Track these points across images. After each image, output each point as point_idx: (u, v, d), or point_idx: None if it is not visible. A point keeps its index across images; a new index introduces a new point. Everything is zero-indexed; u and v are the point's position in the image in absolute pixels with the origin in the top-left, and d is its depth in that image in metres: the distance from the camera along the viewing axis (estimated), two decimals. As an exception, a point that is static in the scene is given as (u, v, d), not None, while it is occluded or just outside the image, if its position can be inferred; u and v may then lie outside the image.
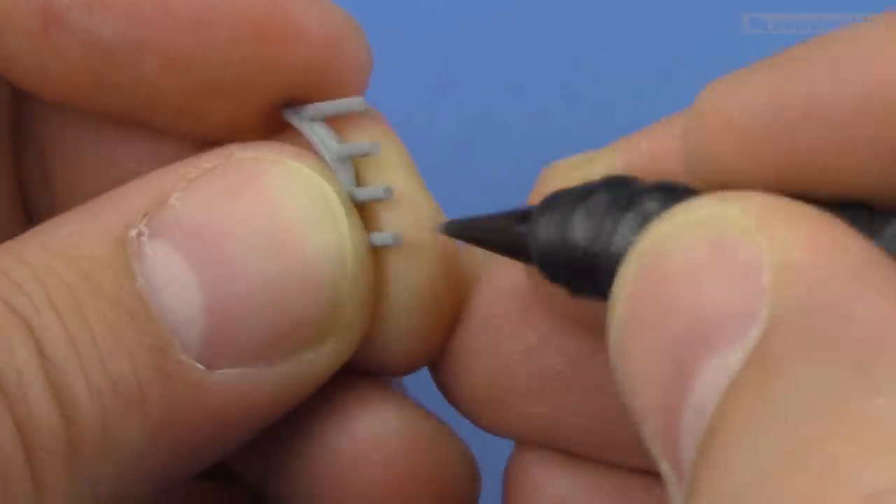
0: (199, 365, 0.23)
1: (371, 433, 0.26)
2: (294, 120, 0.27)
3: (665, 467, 0.19)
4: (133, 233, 0.23)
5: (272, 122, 0.27)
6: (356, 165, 0.26)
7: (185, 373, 0.23)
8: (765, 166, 0.20)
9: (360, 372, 0.27)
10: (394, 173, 0.26)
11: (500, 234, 0.24)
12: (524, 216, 0.24)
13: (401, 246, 0.25)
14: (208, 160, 0.25)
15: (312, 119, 0.26)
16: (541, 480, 0.27)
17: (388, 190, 0.25)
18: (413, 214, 0.26)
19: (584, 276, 0.23)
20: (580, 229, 0.22)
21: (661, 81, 0.47)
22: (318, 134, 0.26)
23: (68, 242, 0.23)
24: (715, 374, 0.18)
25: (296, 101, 0.27)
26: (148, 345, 0.23)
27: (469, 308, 0.27)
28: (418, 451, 0.26)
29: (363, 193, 0.25)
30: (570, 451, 0.27)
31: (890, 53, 0.18)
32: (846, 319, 0.17)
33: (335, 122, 0.27)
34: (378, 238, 0.25)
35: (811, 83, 0.19)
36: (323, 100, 0.26)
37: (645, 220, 0.22)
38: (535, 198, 0.24)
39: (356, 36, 0.27)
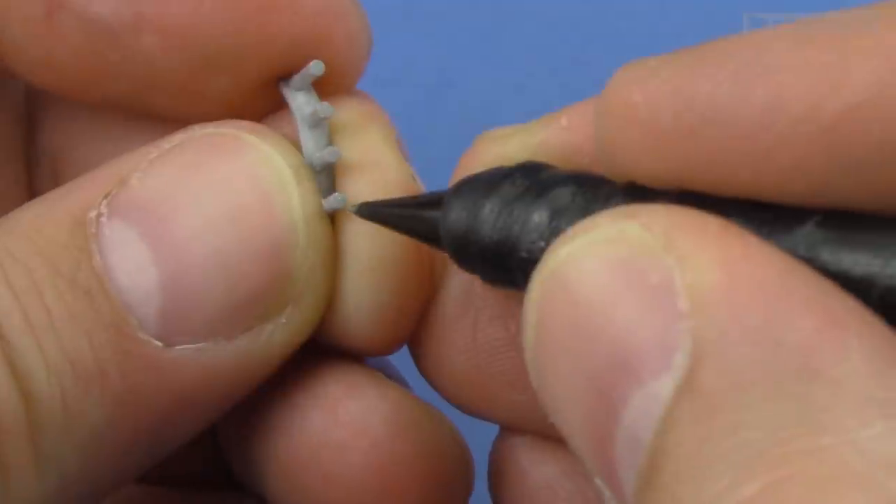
0: (156, 341, 0.23)
1: (355, 418, 0.26)
2: (283, 90, 0.26)
3: (600, 483, 0.19)
4: (93, 214, 0.23)
5: (271, 100, 0.27)
6: (335, 135, 0.26)
7: (143, 350, 0.23)
8: (668, 163, 0.19)
9: (340, 353, 0.27)
10: (367, 141, 0.26)
11: (414, 219, 0.24)
12: (438, 201, 0.23)
13: (349, 209, 0.25)
14: (169, 140, 0.25)
15: (298, 89, 0.26)
16: (526, 465, 0.27)
17: (335, 152, 0.25)
18: (376, 178, 0.25)
19: (496, 265, 0.22)
20: (490, 219, 0.22)
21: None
22: (298, 102, 0.26)
23: (30, 225, 0.23)
24: (645, 404, 0.18)
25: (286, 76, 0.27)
26: (105, 323, 0.23)
27: (445, 288, 0.27)
28: (404, 434, 0.26)
29: (318, 158, 0.25)
30: (554, 436, 0.27)
31: (793, 65, 0.18)
32: (775, 345, 0.17)
33: (326, 97, 0.26)
34: (328, 202, 0.25)
35: (715, 86, 0.19)
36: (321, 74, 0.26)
37: (554, 212, 0.21)
38: (458, 175, 0.24)
39: (352, 8, 0.27)
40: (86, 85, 0.27)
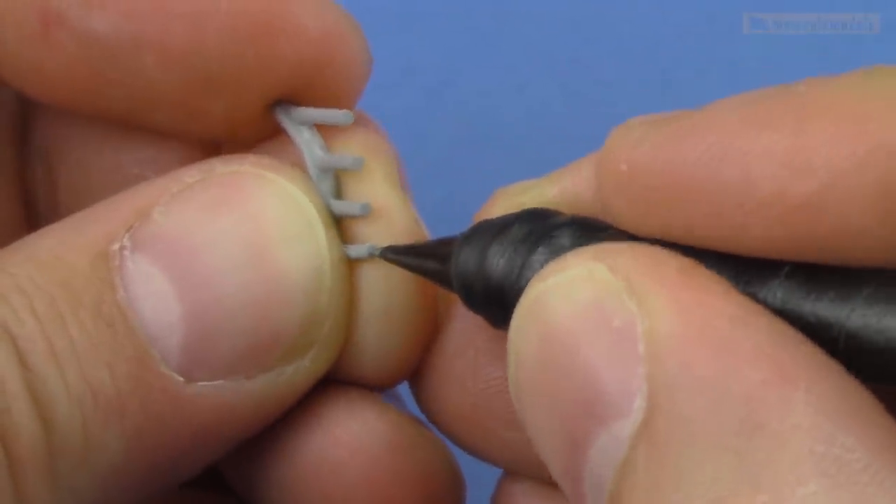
0: (178, 376, 0.23)
1: (353, 438, 0.26)
2: (284, 121, 0.27)
3: None
4: (115, 246, 0.23)
5: (270, 122, 0.27)
6: (339, 174, 0.26)
7: (164, 384, 0.23)
8: (652, 224, 0.20)
9: (343, 382, 0.27)
10: (375, 186, 0.26)
11: (431, 262, 0.25)
12: (451, 246, 0.24)
13: (375, 258, 0.25)
14: (190, 175, 0.25)
15: (302, 123, 0.26)
16: None
17: (366, 207, 0.25)
18: (389, 228, 0.26)
19: (499, 305, 0.23)
20: (494, 264, 0.23)
21: (661, 81, 0.47)
22: (305, 140, 0.26)
23: (52, 254, 0.23)
24: (608, 446, 0.19)
25: (293, 100, 0.27)
26: (127, 356, 0.23)
27: (447, 326, 0.27)
28: (400, 456, 0.26)
29: (341, 207, 0.26)
30: (554, 482, 0.27)
31: (759, 150, 0.19)
32: (723, 395, 0.17)
33: (325, 127, 0.27)
34: (354, 251, 0.25)
35: (690, 164, 0.19)
36: (320, 98, 0.26)
37: (555, 255, 0.22)
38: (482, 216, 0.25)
39: (353, 33, 0.27)
40: (81, 99, 0.27)
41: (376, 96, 0.29)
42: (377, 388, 0.27)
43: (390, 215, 0.26)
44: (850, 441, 0.17)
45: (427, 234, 0.27)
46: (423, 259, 0.25)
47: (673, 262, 0.19)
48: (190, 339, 0.23)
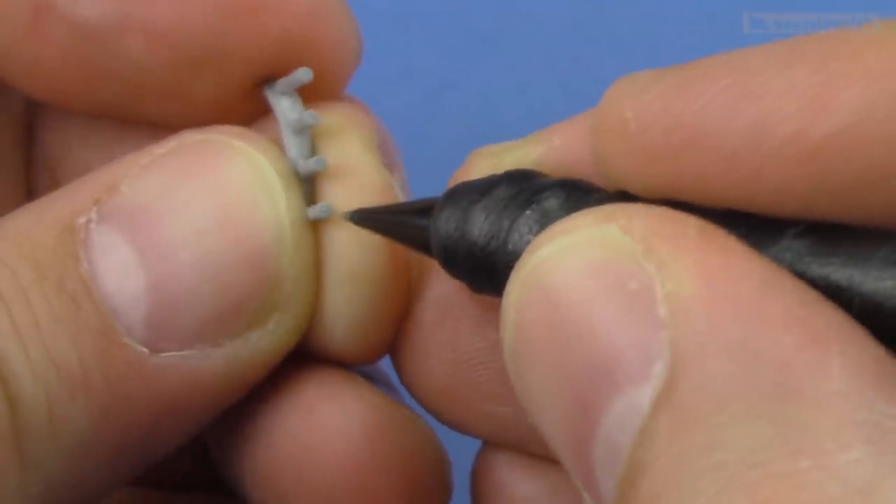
0: (142, 347, 0.23)
1: (330, 421, 0.25)
2: (268, 93, 0.26)
3: (578, 484, 0.19)
4: (82, 220, 0.23)
5: (259, 104, 0.27)
6: (316, 140, 0.26)
7: (129, 356, 0.23)
8: (658, 178, 0.19)
9: (323, 361, 0.27)
10: (346, 147, 0.26)
11: (405, 225, 0.24)
12: (429, 208, 0.23)
13: (331, 217, 0.25)
14: (160, 146, 0.25)
15: (283, 94, 0.26)
16: (506, 482, 0.27)
17: (321, 161, 0.25)
18: (355, 186, 0.25)
19: (484, 273, 0.22)
20: (478, 226, 0.22)
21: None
22: (282, 106, 0.26)
23: (19, 230, 0.23)
24: (624, 413, 0.18)
25: (270, 80, 0.27)
26: (91, 328, 0.22)
27: (424, 294, 0.26)
28: (378, 438, 0.26)
29: (303, 166, 0.25)
30: (536, 453, 0.26)
31: (780, 87, 0.18)
32: (754, 360, 0.17)
33: (312, 101, 0.26)
34: (312, 211, 0.25)
35: (703, 105, 0.19)
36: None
37: (544, 218, 0.21)
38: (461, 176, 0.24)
39: (339, 10, 0.27)
40: (73, 91, 0.27)
41: (376, 96, 0.29)
42: (355, 364, 0.27)
43: (360, 174, 0.26)
44: (890, 408, 0.16)
45: (399, 198, 0.26)
46: (397, 221, 0.24)
47: (692, 223, 0.18)
48: (153, 309, 0.23)
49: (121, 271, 0.23)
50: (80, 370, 0.22)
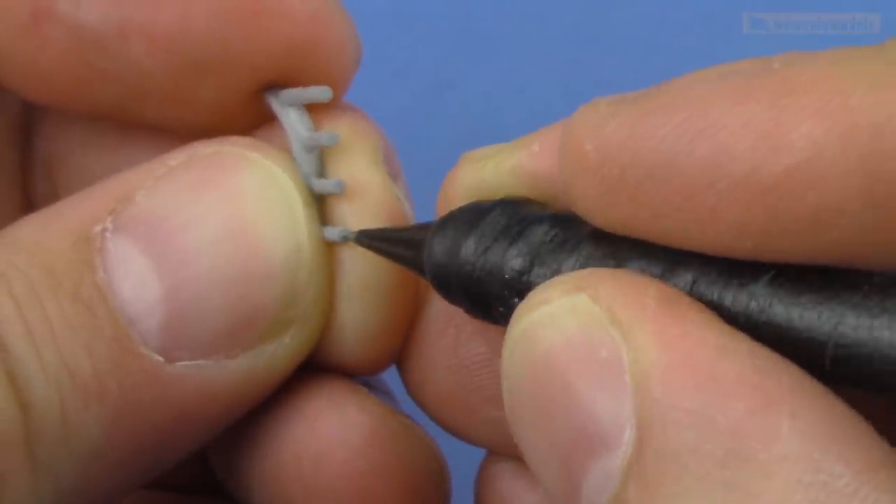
0: (157, 356, 0.23)
1: (333, 430, 0.26)
2: (273, 104, 0.26)
3: None
4: (98, 228, 0.23)
5: (261, 110, 0.27)
6: (323, 155, 0.26)
7: (144, 364, 0.23)
8: (617, 212, 0.20)
9: (326, 370, 0.27)
10: (355, 165, 0.26)
11: (403, 248, 0.25)
12: (425, 234, 0.24)
13: (348, 241, 0.25)
14: (174, 158, 0.25)
15: (289, 104, 0.26)
16: (509, 492, 0.27)
17: (341, 184, 0.25)
18: (368, 206, 0.26)
19: (476, 300, 0.23)
20: (470, 257, 0.23)
21: (661, 81, 0.47)
22: (290, 120, 0.26)
23: (33, 238, 0.23)
24: (601, 478, 0.19)
25: (283, 85, 0.27)
26: (106, 336, 0.23)
27: (428, 305, 0.27)
28: (381, 447, 0.26)
29: (318, 185, 0.25)
30: None
31: (734, 124, 0.18)
32: (709, 428, 0.17)
33: (314, 110, 0.26)
34: (328, 233, 0.25)
35: (660, 141, 0.19)
36: (309, 82, 0.26)
37: (531, 252, 0.22)
38: (440, 201, 0.25)
39: (340, 16, 0.27)
40: (73, 95, 0.26)
41: (375, 96, 0.29)
42: (362, 374, 0.27)
43: (369, 193, 0.26)
44: (837, 467, 0.17)
45: (410, 214, 0.27)
46: (396, 245, 0.25)
47: (653, 291, 0.19)
48: (170, 318, 0.23)
49: (136, 280, 0.23)
50: (95, 377, 0.22)
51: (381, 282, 0.26)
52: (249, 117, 0.27)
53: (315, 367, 0.27)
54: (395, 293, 0.26)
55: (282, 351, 0.25)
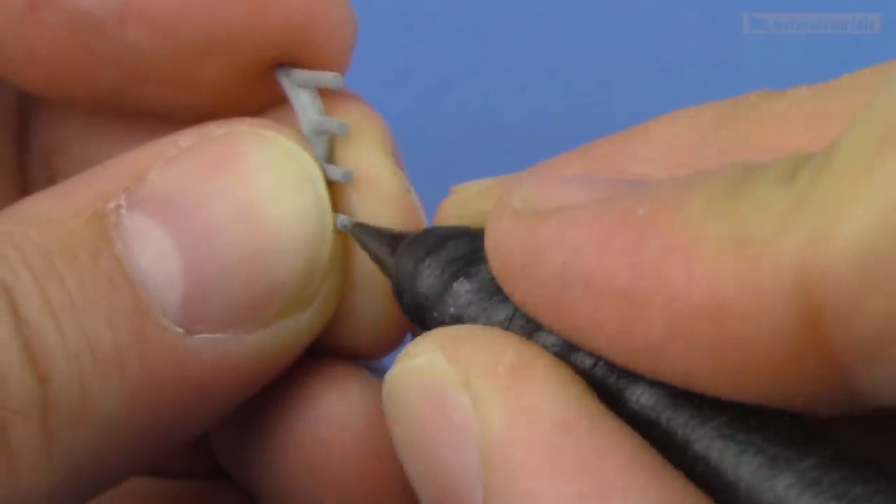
0: (178, 328, 0.23)
1: (336, 413, 0.26)
2: (284, 82, 0.26)
3: None
4: (112, 205, 0.23)
5: (262, 93, 0.27)
6: (332, 141, 0.26)
7: (164, 336, 0.23)
8: (535, 313, 0.20)
9: (332, 354, 0.27)
10: (364, 153, 0.26)
11: (379, 253, 0.25)
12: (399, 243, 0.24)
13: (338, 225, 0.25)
14: (186, 138, 0.25)
15: (300, 86, 0.26)
16: None
17: (348, 174, 0.25)
18: (376, 197, 0.26)
19: (419, 317, 0.23)
20: (423, 279, 0.23)
21: (661, 81, 0.47)
22: (302, 102, 0.26)
23: (46, 215, 0.23)
24: None
25: (286, 65, 0.27)
26: (127, 309, 0.23)
27: None
28: (384, 429, 0.25)
29: (328, 172, 0.26)
30: None
31: (601, 277, 0.18)
32: None
33: (323, 96, 0.26)
34: (338, 221, 0.25)
35: (552, 278, 0.19)
36: (309, 61, 0.26)
37: (476, 284, 0.22)
38: (438, 218, 0.25)
39: None
40: (72, 82, 0.26)
41: (376, 96, 0.29)
42: (367, 357, 0.27)
43: (377, 182, 0.26)
44: None
45: (419, 205, 0.27)
46: (377, 247, 0.25)
47: (507, 358, 0.19)
48: (190, 291, 0.23)
49: (155, 254, 0.23)
50: (115, 349, 0.22)
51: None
52: (252, 101, 0.27)
53: (319, 351, 0.27)
54: None
55: (298, 328, 0.25)
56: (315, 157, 0.25)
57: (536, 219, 0.20)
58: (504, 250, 0.20)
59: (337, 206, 0.26)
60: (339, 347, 0.27)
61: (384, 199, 0.26)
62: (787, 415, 0.18)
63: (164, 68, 0.26)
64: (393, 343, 0.27)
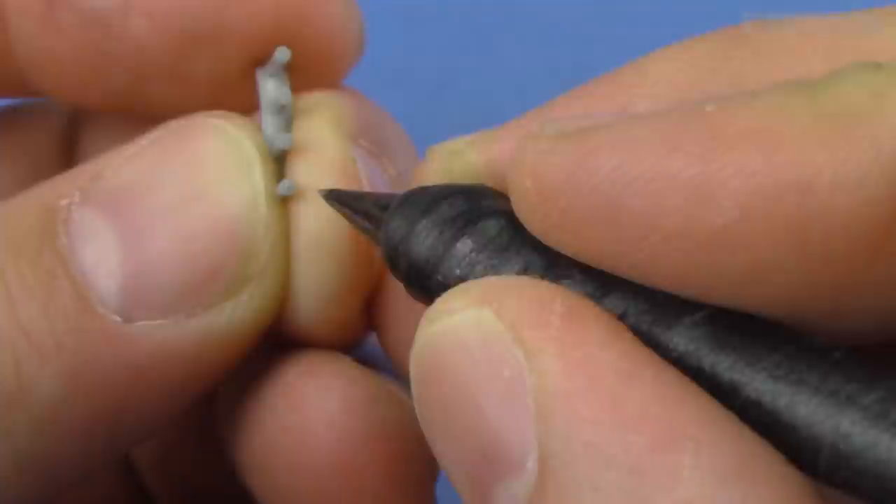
0: (116, 317, 0.23)
1: (310, 400, 0.26)
2: (258, 74, 0.27)
3: None
4: (64, 202, 0.24)
5: (253, 91, 0.27)
6: (295, 120, 0.27)
7: (102, 325, 0.23)
8: (565, 244, 0.19)
9: (307, 346, 0.27)
10: (313, 125, 0.26)
11: (365, 216, 0.24)
12: (386, 206, 0.24)
13: (291, 195, 0.25)
14: (146, 137, 0.25)
15: (271, 76, 0.27)
16: None
17: (287, 138, 0.26)
18: (317, 163, 0.26)
19: (418, 282, 0.23)
20: (420, 240, 0.22)
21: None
22: (266, 87, 0.27)
23: (3, 212, 0.24)
24: (506, 501, 0.18)
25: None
26: (65, 298, 0.23)
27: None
28: (360, 413, 0.26)
29: (271, 142, 0.26)
30: None
31: (665, 174, 0.18)
32: (608, 465, 0.17)
33: (310, 86, 0.27)
34: (280, 188, 0.25)
35: (594, 189, 0.18)
36: (305, 58, 0.27)
37: (478, 243, 0.21)
38: (416, 180, 0.25)
39: None
40: (87, 83, 0.27)
41: (376, 96, 0.29)
42: (335, 344, 0.27)
43: (321, 149, 0.26)
44: None
45: (365, 173, 0.27)
46: (359, 214, 0.24)
47: (558, 306, 0.19)
48: (129, 280, 0.24)
49: (98, 246, 0.24)
50: (51, 336, 0.23)
51: (335, 242, 0.26)
52: (248, 97, 0.27)
53: (294, 343, 0.27)
54: (350, 255, 0.26)
55: (241, 310, 0.25)
56: (262, 138, 0.26)
57: (584, 132, 0.19)
58: (543, 168, 0.19)
59: (284, 175, 0.26)
60: (303, 333, 0.27)
61: (327, 167, 0.26)
62: (838, 351, 0.18)
63: (162, 61, 0.27)
64: (356, 323, 0.27)
